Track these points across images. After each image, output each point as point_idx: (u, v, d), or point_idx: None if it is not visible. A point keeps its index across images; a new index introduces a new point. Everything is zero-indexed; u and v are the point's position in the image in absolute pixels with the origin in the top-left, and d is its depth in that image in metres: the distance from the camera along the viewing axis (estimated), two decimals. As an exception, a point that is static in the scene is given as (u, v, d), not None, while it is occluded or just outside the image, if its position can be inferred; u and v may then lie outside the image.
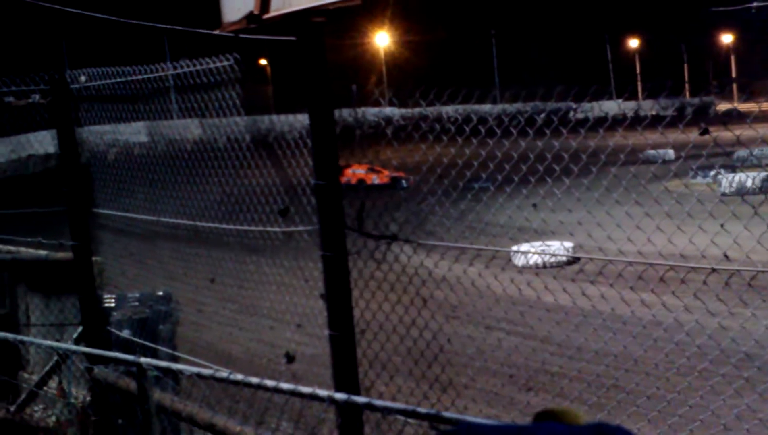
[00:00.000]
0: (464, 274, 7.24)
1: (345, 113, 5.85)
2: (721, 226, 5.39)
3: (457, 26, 69.78)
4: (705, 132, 5.65)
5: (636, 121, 6.56)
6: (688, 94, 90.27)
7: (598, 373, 7.45)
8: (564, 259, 16.56)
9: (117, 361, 5.98)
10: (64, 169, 7.50)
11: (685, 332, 6.60)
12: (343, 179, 5.85)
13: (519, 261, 15.31)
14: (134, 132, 10.41)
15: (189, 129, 9.71)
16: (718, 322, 6.22)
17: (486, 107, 35.18)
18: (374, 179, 37.09)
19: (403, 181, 32.87)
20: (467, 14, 70.37)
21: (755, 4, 47.80)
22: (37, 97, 7.83)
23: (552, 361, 9.74)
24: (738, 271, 5.61)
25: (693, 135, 6.11)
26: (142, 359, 5.21)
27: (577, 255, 14.41)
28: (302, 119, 5.83)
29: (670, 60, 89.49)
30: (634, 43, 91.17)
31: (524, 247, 14.64)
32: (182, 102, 7.90)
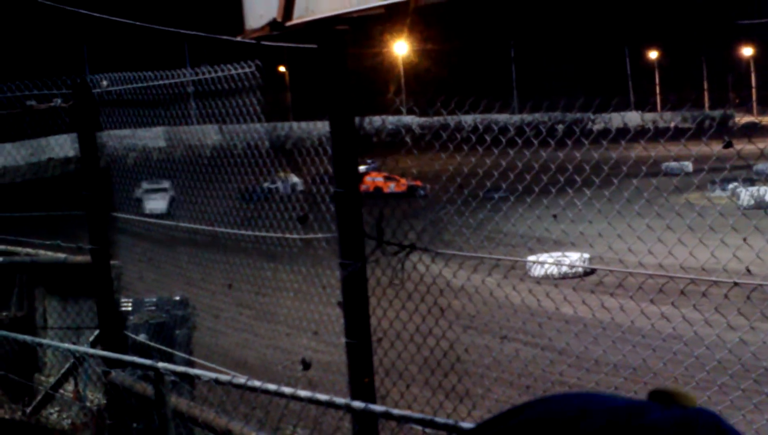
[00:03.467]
0: (482, 284, 7.21)
1: (365, 121, 5.84)
2: (744, 240, 5.35)
3: (476, 36, 69.84)
4: (729, 145, 5.61)
5: (657, 133, 6.52)
6: (707, 106, 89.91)
7: (616, 386, 7.38)
8: (581, 270, 16.49)
9: (135, 365, 5.99)
10: (84, 173, 7.52)
11: (705, 346, 6.54)
12: (361, 187, 5.84)
13: (537, 272, 15.25)
14: (153, 137, 10.45)
15: (208, 135, 9.74)
16: (738, 337, 6.16)
17: (503, 117, 35.12)
18: (391, 187, 37.09)
19: (421, 190, 32.84)
20: (486, 24, 70.39)
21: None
22: (59, 101, 7.86)
23: (570, 372, 9.65)
24: (760, 285, 5.56)
25: (713, 148, 6.07)
26: (160, 364, 5.20)
27: (593, 266, 14.34)
28: (321, 127, 5.84)
29: (690, 72, 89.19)
30: (653, 54, 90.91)
31: (542, 257, 14.58)
32: (202, 108, 7.93)
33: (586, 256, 16.43)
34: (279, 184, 8.74)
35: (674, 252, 6.09)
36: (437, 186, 8.22)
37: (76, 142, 7.75)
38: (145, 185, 9.77)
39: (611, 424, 0.93)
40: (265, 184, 8.45)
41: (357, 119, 5.49)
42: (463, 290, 7.21)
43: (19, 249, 9.80)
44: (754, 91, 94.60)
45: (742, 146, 5.47)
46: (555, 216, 7.43)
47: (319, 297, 7.18)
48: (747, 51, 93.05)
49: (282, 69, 66.26)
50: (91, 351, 7.18)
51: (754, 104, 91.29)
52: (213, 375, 4.83)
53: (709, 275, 5.44)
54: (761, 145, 5.47)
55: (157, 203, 17.76)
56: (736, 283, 4.97)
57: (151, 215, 9.46)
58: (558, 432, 0.93)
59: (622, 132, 6.36)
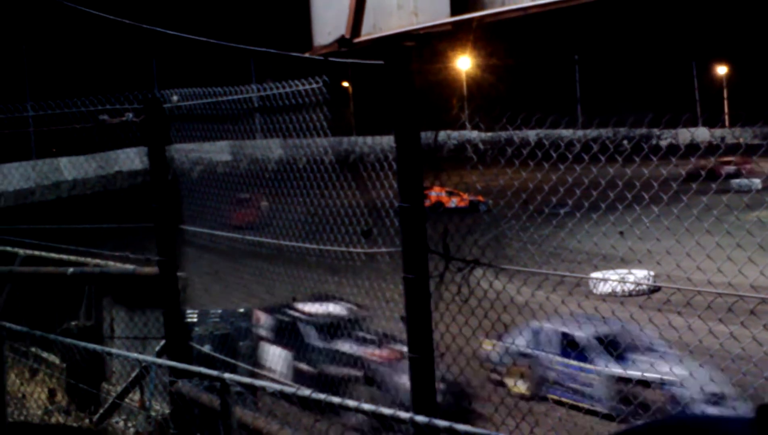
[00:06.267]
0: (546, 301, 7.15)
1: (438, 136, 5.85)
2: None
3: (540, 50, 69.39)
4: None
5: (728, 150, 6.39)
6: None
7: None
8: (646, 287, 16.24)
9: (201, 376, 6.05)
10: (154, 186, 7.66)
11: (776, 368, 6.37)
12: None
13: (602, 289, 15.06)
14: (218, 151, 10.60)
15: (272, 149, 9.85)
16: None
17: (568, 132, 34.83)
18: (453, 202, 37.00)
19: (483, 205, 32.73)
20: (550, 38, 69.93)
21: None
22: (131, 115, 8.03)
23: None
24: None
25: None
26: (226, 375, 5.26)
27: (658, 284, 14.10)
28: (384, 141, 5.86)
29: (760, 87, 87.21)
30: (722, 69, 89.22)
31: (608, 274, 14.39)
32: (269, 123, 8.02)
33: (651, 273, 16.17)
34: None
35: (744, 271, 5.97)
36: (501, 201, 8.18)
37: (144, 155, 7.90)
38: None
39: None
40: None
41: (430, 134, 5.52)
42: (527, 306, 7.17)
43: (88, 260, 10.01)
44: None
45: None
46: (622, 232, 7.33)
47: (381, 311, 7.20)
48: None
49: (345, 84, 66.71)
50: (158, 361, 7.29)
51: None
52: (278, 386, 4.86)
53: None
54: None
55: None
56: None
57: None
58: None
59: (692, 148, 6.26)
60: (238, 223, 9.98)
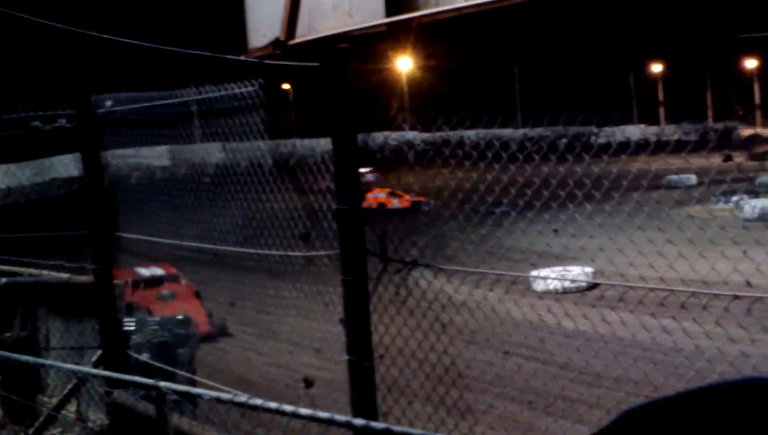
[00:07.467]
0: (484, 300, 7.21)
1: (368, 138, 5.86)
2: (744, 253, 5.35)
3: (480, 51, 69.97)
4: (728, 159, 5.63)
5: (659, 147, 6.54)
6: (711, 119, 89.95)
7: (618, 400, 7.36)
8: (584, 284, 16.49)
9: (136, 385, 5.99)
10: (88, 193, 7.55)
11: (706, 359, 6.51)
12: (364, 203, 5.85)
13: (539, 286, 15.24)
14: (157, 156, 10.48)
15: (211, 153, 9.77)
16: (739, 350, 6.15)
17: (507, 132, 35.18)
18: (395, 203, 37.13)
19: (424, 206, 32.86)
20: (490, 39, 70.55)
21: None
22: (64, 121, 7.90)
23: (571, 387, 9.65)
24: (761, 298, 5.55)
25: (716, 161, 6.08)
26: (162, 383, 5.21)
27: (596, 281, 14.33)
28: (324, 144, 5.86)
29: (694, 85, 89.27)
30: (657, 68, 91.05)
31: (544, 272, 14.58)
32: (206, 127, 7.96)
33: (589, 270, 16.41)
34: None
35: (675, 265, 6.09)
36: (440, 202, 8.23)
37: (80, 162, 7.79)
38: None
39: None
40: None
41: (360, 136, 5.52)
42: (465, 306, 7.21)
43: (22, 269, 9.81)
44: (757, 103, 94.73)
45: (741, 160, 5.48)
46: (556, 230, 7.42)
47: (321, 314, 7.19)
48: (751, 63, 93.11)
49: (286, 86, 66.46)
50: (94, 371, 7.18)
51: (757, 116, 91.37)
52: (215, 394, 4.83)
53: (710, 288, 5.44)
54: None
55: None
56: (736, 296, 4.97)
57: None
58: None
59: (625, 146, 6.37)
60: None
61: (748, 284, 5.79)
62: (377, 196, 36.28)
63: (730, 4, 71.18)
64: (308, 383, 6.77)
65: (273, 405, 4.32)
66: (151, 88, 8.36)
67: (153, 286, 19.09)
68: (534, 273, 13.44)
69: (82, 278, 8.30)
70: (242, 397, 4.47)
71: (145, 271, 19.27)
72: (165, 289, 18.71)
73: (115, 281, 7.59)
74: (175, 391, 5.23)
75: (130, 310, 12.32)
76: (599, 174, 6.28)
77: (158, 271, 19.34)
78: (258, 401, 4.39)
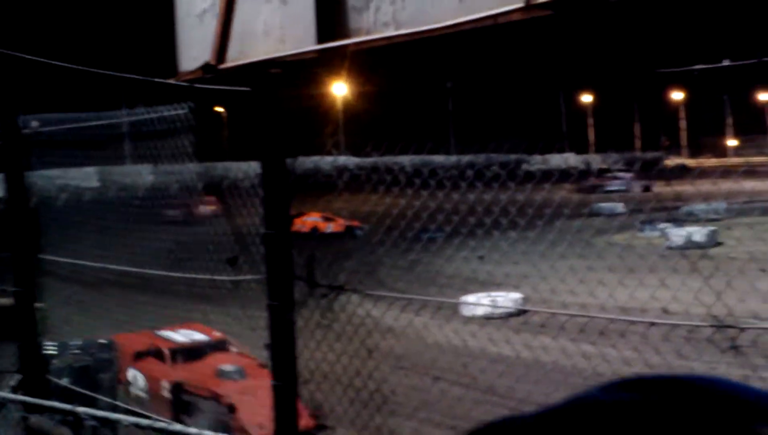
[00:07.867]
0: (410, 325, 7.26)
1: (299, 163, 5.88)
2: (662, 282, 5.50)
3: (413, 79, 70.60)
4: (647, 189, 5.80)
5: (587, 175, 6.68)
6: (639, 149, 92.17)
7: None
8: (511, 310, 16.68)
9: (54, 410, 5.88)
10: (12, 214, 7.42)
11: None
12: (297, 227, 5.85)
13: (467, 312, 15.37)
14: (85, 177, 10.33)
15: (141, 175, 9.68)
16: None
17: (440, 158, 35.51)
18: (329, 227, 37.07)
19: (358, 230, 32.84)
20: (423, 67, 71.29)
21: (698, 67, 50.60)
22: (-15, 141, 7.76)
23: (495, 411, 9.69)
24: (677, 325, 5.72)
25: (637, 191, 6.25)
26: (79, 408, 5.13)
27: (523, 307, 14.52)
28: (256, 167, 5.85)
29: (623, 114, 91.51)
30: (587, 98, 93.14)
31: (471, 298, 14.72)
32: (136, 149, 7.90)
33: (514, 296, 16.61)
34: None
35: (596, 292, 6.23)
36: (369, 227, 8.29)
37: (4, 182, 7.66)
38: None
39: None
40: None
41: (289, 161, 5.52)
42: (391, 331, 7.25)
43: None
44: (683, 134, 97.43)
45: (665, 189, 5.65)
46: (481, 257, 7.54)
47: (248, 339, 7.16)
48: (678, 96, 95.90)
49: (220, 109, 66.09)
50: (10, 396, 7.03)
51: (683, 147, 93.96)
52: (133, 419, 4.78)
53: (629, 314, 5.58)
54: (685, 187, 5.66)
55: None
56: (652, 324, 5.11)
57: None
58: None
59: (549, 174, 6.51)
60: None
61: (665, 311, 5.95)
62: (311, 220, 36.18)
63: (658, 39, 73.37)
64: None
65: (194, 431, 4.29)
66: (83, 110, 8.29)
67: (195, 359, 12.66)
68: (461, 299, 13.54)
69: (2, 301, 8.13)
70: (161, 423, 4.43)
71: (177, 336, 12.96)
72: (223, 363, 12.13)
73: (36, 304, 7.43)
74: (94, 417, 5.15)
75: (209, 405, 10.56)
76: (524, 201, 6.41)
77: (195, 336, 13.02)
78: (178, 426, 4.37)
